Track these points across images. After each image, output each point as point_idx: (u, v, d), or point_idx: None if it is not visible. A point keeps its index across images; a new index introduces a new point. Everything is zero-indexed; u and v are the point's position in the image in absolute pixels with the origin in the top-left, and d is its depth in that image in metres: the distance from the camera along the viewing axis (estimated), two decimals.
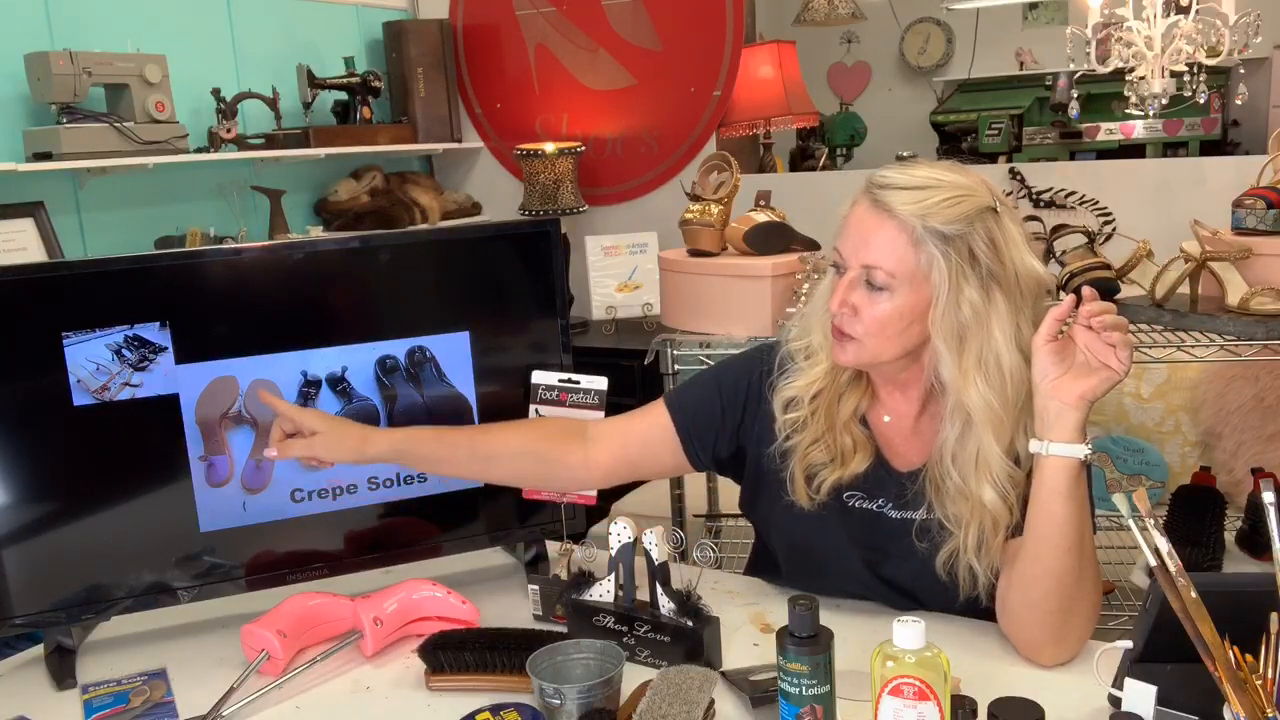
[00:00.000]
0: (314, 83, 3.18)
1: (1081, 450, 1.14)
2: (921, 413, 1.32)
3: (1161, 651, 1.01)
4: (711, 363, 2.09)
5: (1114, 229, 2.74)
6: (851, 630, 1.26)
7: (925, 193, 1.18)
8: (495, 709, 1.11)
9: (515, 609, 1.44)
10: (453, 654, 1.24)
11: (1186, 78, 2.12)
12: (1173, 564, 0.97)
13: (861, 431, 1.33)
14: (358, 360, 1.43)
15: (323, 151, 3.16)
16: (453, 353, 1.47)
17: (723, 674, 1.20)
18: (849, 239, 1.24)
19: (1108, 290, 1.95)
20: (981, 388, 1.19)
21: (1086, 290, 1.14)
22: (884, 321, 1.21)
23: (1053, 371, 1.15)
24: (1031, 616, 1.19)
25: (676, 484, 2.28)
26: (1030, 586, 1.18)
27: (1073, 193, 2.82)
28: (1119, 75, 2.16)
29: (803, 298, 1.98)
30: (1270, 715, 0.90)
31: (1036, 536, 1.17)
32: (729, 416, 1.39)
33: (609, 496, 1.45)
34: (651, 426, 1.41)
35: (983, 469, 1.20)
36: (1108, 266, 1.95)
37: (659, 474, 1.46)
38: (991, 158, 4.43)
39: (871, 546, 1.33)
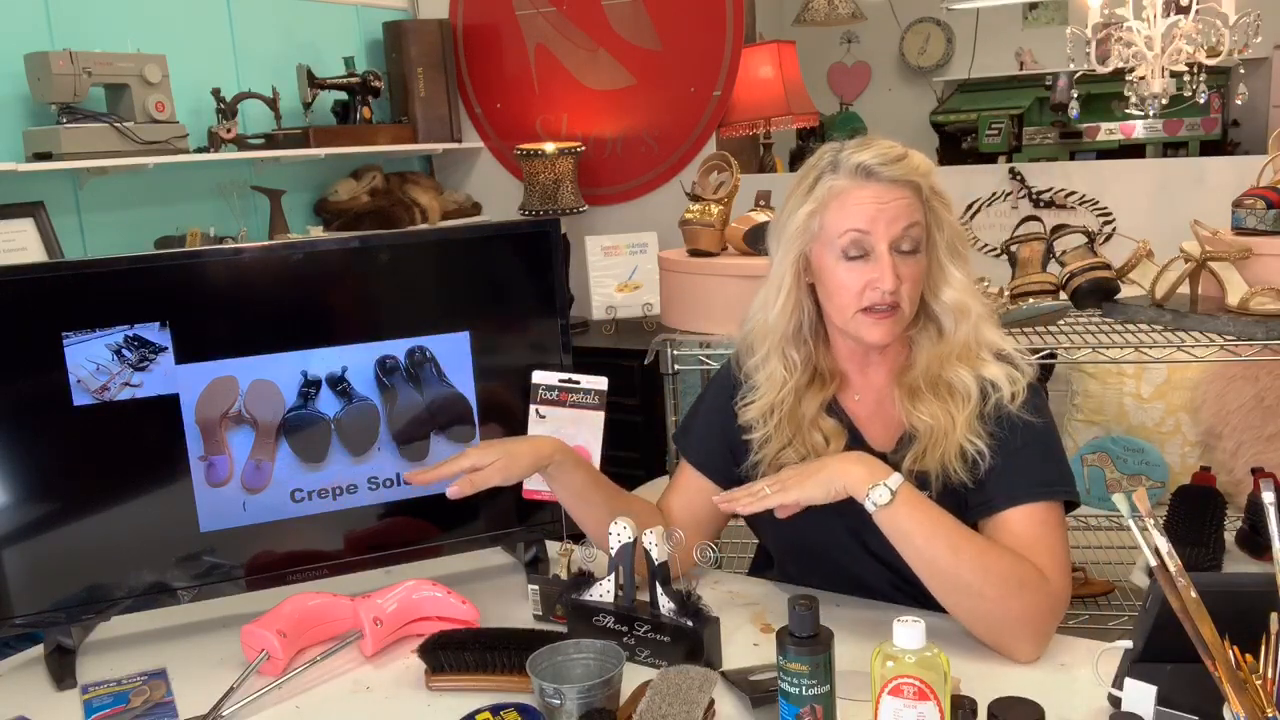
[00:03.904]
0: (314, 83, 3.18)
1: (862, 496, 1.21)
2: (888, 386, 1.36)
3: (1161, 651, 1.01)
4: (712, 363, 2.10)
5: (1114, 229, 2.74)
6: (851, 630, 1.26)
7: (915, 159, 1.30)
8: (495, 709, 1.11)
9: (515, 609, 1.44)
10: (453, 654, 1.24)
11: (1186, 78, 2.12)
12: (1173, 564, 0.97)
13: (832, 422, 1.37)
14: (358, 360, 1.43)
15: (323, 151, 3.16)
16: (453, 353, 1.47)
17: (723, 674, 1.20)
18: (866, 218, 1.27)
19: (1108, 290, 1.95)
20: (975, 293, 1.34)
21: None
22: (919, 279, 1.30)
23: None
24: (974, 631, 1.24)
25: None
26: (950, 611, 1.25)
27: (1073, 193, 2.82)
28: (1119, 75, 2.16)
29: None
30: (1270, 715, 0.90)
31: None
32: (733, 442, 1.43)
33: None
34: (689, 490, 1.46)
35: (973, 350, 1.32)
36: (1108, 266, 1.95)
37: (724, 520, 1.51)
38: (991, 158, 4.42)
39: (859, 520, 1.30)
